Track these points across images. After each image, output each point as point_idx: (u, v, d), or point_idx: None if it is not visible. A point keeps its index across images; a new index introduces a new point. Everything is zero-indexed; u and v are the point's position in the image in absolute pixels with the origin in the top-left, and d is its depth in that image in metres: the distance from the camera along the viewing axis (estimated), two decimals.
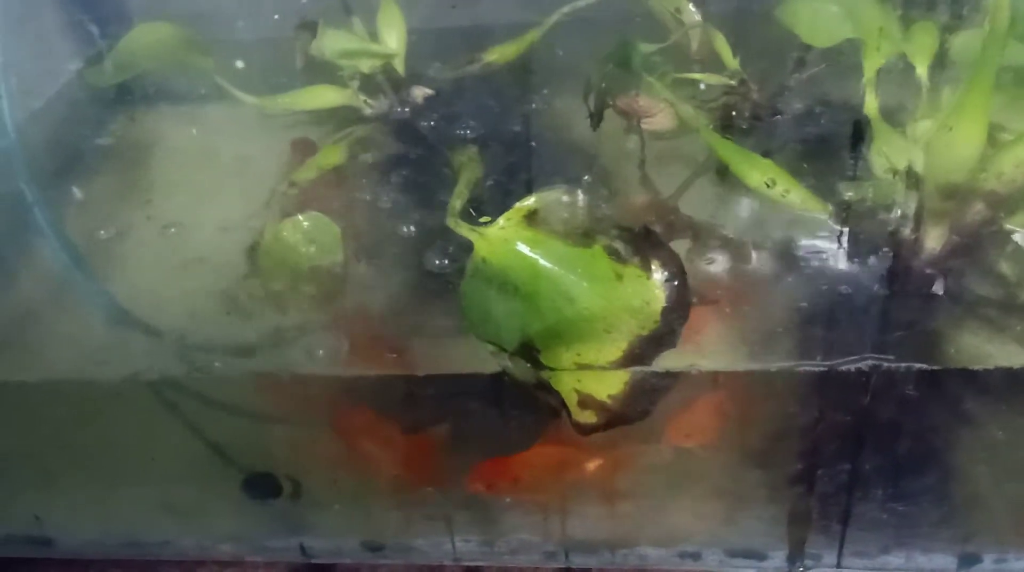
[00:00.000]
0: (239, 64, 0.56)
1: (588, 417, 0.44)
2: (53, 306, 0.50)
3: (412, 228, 0.51)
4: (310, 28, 0.57)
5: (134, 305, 0.48)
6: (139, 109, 0.59)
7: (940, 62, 0.48)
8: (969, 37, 0.45)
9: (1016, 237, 0.44)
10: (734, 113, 0.53)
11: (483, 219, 0.42)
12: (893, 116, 0.48)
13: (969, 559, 0.49)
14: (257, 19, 0.59)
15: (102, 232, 0.53)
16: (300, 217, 0.51)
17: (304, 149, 0.58)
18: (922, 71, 0.46)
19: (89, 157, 0.59)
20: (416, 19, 0.59)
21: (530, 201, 0.42)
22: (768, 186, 0.45)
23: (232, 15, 0.58)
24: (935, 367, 0.41)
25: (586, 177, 0.48)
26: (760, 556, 0.51)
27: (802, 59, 0.53)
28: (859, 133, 0.47)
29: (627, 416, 0.44)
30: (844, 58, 0.51)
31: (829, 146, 0.49)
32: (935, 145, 0.41)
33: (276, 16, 0.58)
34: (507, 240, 0.42)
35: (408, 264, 0.50)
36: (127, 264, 0.51)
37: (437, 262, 0.48)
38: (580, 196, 0.43)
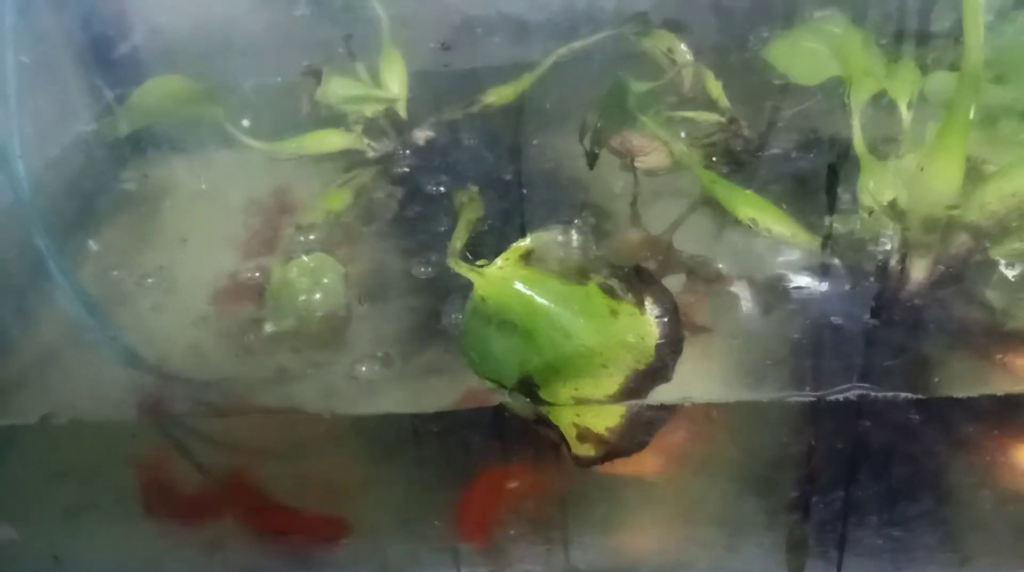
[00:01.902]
0: (247, 114, 0.58)
1: (587, 450, 0.45)
2: (68, 350, 0.52)
3: (425, 269, 0.53)
4: (315, 75, 0.59)
5: (147, 349, 0.50)
6: (151, 158, 0.61)
7: (924, 98, 0.49)
8: (943, 78, 0.46)
9: (1001, 267, 0.46)
10: (725, 150, 0.55)
11: (480, 263, 0.43)
12: (881, 149, 0.49)
13: None
14: (264, 67, 0.62)
15: (115, 273, 0.55)
16: (306, 258, 0.52)
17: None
18: (904, 107, 0.48)
19: (103, 204, 0.61)
20: (417, 63, 0.61)
21: (526, 241, 0.44)
22: (753, 225, 0.46)
23: (240, 65, 0.60)
24: (922, 396, 0.42)
25: (579, 218, 0.49)
26: None
27: (787, 97, 0.54)
28: (845, 169, 0.49)
29: (625, 448, 0.45)
30: (831, 95, 0.53)
31: (818, 180, 0.51)
32: (915, 181, 0.42)
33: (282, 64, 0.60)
34: (505, 279, 0.43)
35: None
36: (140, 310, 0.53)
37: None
38: (575, 235, 0.44)
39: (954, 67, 0.44)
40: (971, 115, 0.40)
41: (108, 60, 0.62)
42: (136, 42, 0.63)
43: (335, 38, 0.60)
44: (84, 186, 0.63)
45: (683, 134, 0.56)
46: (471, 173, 0.57)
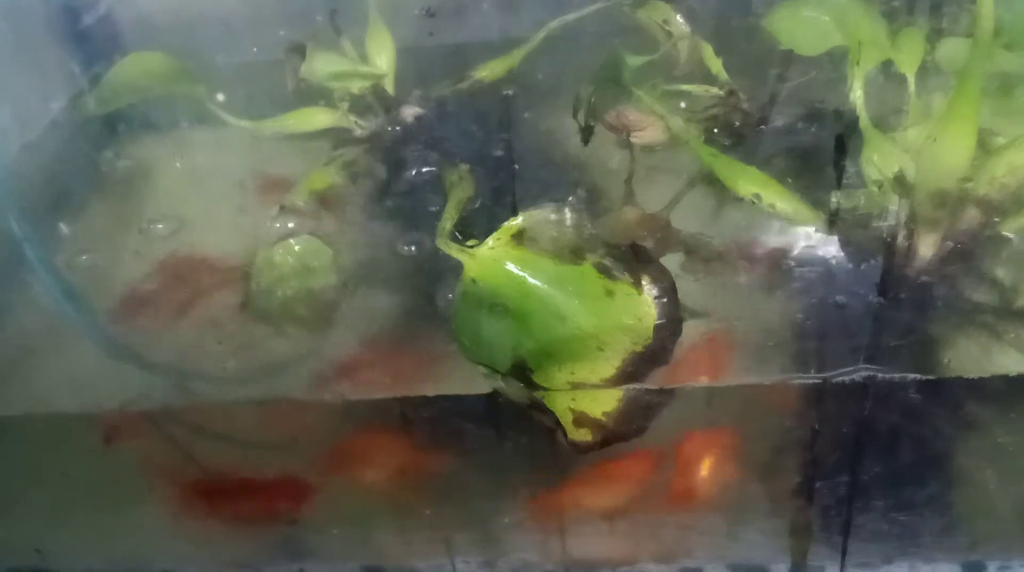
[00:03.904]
0: (226, 92, 0.56)
1: (584, 435, 0.43)
2: (46, 340, 0.50)
3: (410, 248, 0.51)
4: (300, 51, 0.57)
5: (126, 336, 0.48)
6: (130, 137, 0.59)
7: (929, 68, 0.47)
8: (955, 44, 0.45)
9: (1013, 242, 0.44)
10: (724, 124, 0.53)
11: (470, 243, 0.41)
12: (886, 121, 0.48)
13: (973, 567, 0.49)
14: (247, 43, 0.60)
15: (84, 257, 0.53)
16: (292, 241, 0.51)
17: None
18: (911, 78, 0.46)
19: (82, 184, 0.59)
20: (405, 38, 0.59)
21: (518, 220, 0.42)
22: (756, 201, 0.44)
23: (223, 40, 0.58)
24: (930, 377, 0.41)
25: (572, 195, 0.47)
26: (762, 570, 0.51)
27: (789, 68, 0.53)
28: (850, 141, 0.47)
29: (623, 433, 0.43)
30: (834, 66, 0.51)
31: (820, 155, 0.49)
32: (924, 153, 0.41)
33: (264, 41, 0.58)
34: (497, 260, 0.42)
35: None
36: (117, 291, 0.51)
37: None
38: (568, 214, 0.43)
39: (964, 34, 0.42)
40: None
41: (85, 37, 0.60)
42: (115, 17, 0.61)
43: (317, 11, 0.58)
44: (62, 168, 0.61)
45: (681, 108, 0.54)
46: (461, 151, 0.55)
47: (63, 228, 0.55)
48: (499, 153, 0.55)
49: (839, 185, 0.45)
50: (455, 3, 0.57)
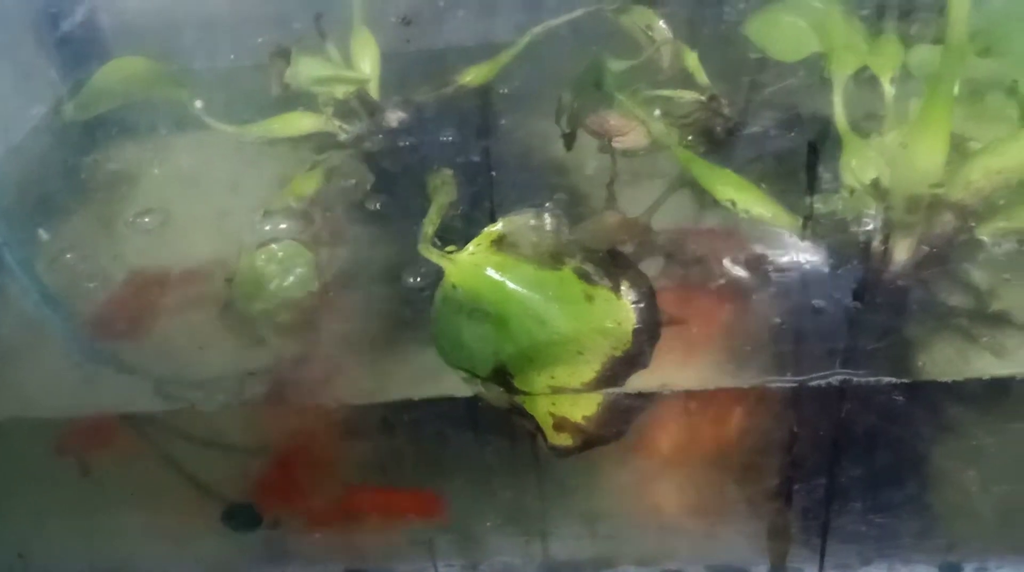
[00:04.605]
0: (208, 97, 0.56)
1: (564, 440, 0.44)
2: (25, 343, 0.51)
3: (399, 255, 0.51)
4: (284, 55, 0.57)
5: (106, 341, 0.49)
6: (113, 141, 0.59)
7: (907, 73, 0.48)
8: (927, 51, 0.45)
9: (987, 246, 0.44)
10: (705, 129, 0.53)
11: (448, 249, 0.42)
12: (867, 126, 0.48)
13: (950, 568, 0.49)
14: (231, 48, 0.60)
15: (68, 256, 0.53)
16: (274, 245, 0.51)
17: None
18: (886, 83, 0.47)
19: (64, 189, 0.59)
20: (388, 44, 0.60)
21: (498, 226, 0.43)
22: (732, 206, 0.45)
23: (207, 46, 0.59)
24: (905, 380, 0.41)
25: (549, 201, 0.48)
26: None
27: (768, 73, 0.53)
28: (828, 146, 0.47)
29: (603, 437, 0.44)
30: (813, 71, 0.52)
31: (799, 159, 0.49)
32: (897, 159, 0.41)
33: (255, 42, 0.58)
34: (477, 265, 0.42)
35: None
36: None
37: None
38: (548, 219, 0.43)
39: (938, 40, 0.43)
40: (956, 90, 0.39)
41: (69, 41, 0.60)
42: (99, 22, 0.61)
43: (301, 16, 0.58)
44: (43, 173, 0.61)
45: (662, 113, 0.54)
46: (444, 155, 0.55)
47: (42, 234, 0.55)
48: (481, 158, 0.55)
49: (814, 190, 0.46)
50: (431, 11, 0.58)
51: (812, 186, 0.47)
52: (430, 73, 0.59)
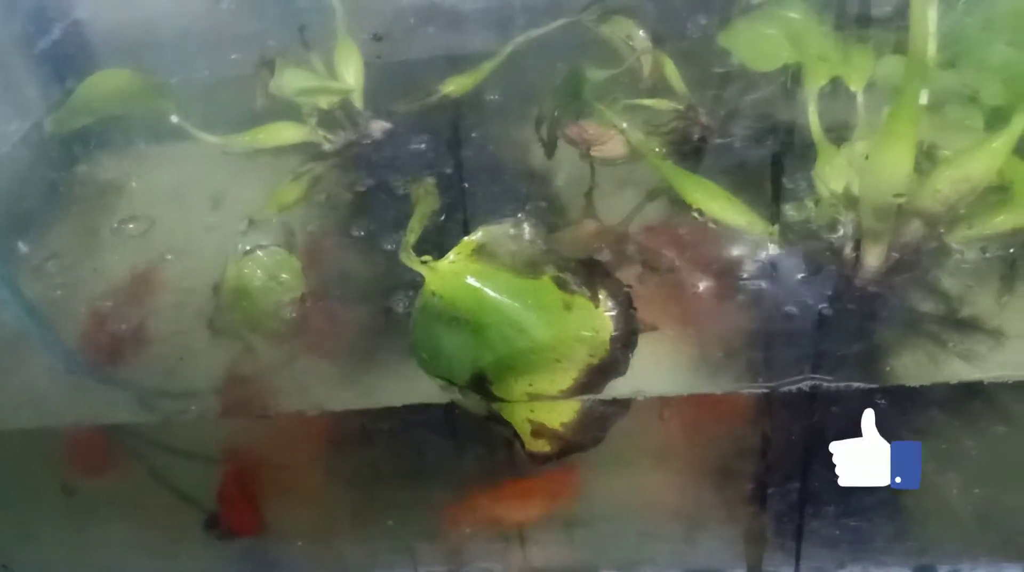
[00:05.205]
0: (194, 108, 0.57)
1: (542, 446, 0.44)
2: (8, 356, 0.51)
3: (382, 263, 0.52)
4: (269, 67, 0.58)
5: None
6: (98, 153, 0.60)
7: (880, 83, 0.49)
8: (895, 62, 0.46)
9: (956, 253, 0.45)
10: (684, 138, 0.54)
11: (424, 259, 0.42)
12: (842, 135, 0.49)
13: (923, 571, 0.50)
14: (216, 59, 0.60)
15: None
16: (260, 252, 0.52)
17: None
18: (859, 93, 0.47)
19: (49, 200, 0.59)
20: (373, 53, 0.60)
21: (478, 235, 0.43)
22: (699, 215, 0.45)
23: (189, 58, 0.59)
24: (876, 385, 0.42)
25: (531, 209, 0.48)
26: None
27: (746, 84, 0.54)
28: (804, 155, 0.48)
29: (580, 443, 0.44)
30: (790, 81, 0.52)
31: (774, 167, 0.50)
32: (866, 167, 0.42)
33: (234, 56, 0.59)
34: (457, 274, 0.43)
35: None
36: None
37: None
38: (527, 228, 0.43)
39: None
40: (922, 100, 0.39)
41: (55, 54, 0.60)
42: (85, 35, 0.62)
43: (283, 29, 0.59)
44: (29, 184, 0.62)
45: (640, 122, 0.55)
46: (427, 164, 0.56)
47: (21, 247, 0.55)
48: (462, 168, 0.56)
49: (780, 198, 0.47)
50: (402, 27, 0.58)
51: (778, 194, 0.48)
52: (410, 86, 0.60)
